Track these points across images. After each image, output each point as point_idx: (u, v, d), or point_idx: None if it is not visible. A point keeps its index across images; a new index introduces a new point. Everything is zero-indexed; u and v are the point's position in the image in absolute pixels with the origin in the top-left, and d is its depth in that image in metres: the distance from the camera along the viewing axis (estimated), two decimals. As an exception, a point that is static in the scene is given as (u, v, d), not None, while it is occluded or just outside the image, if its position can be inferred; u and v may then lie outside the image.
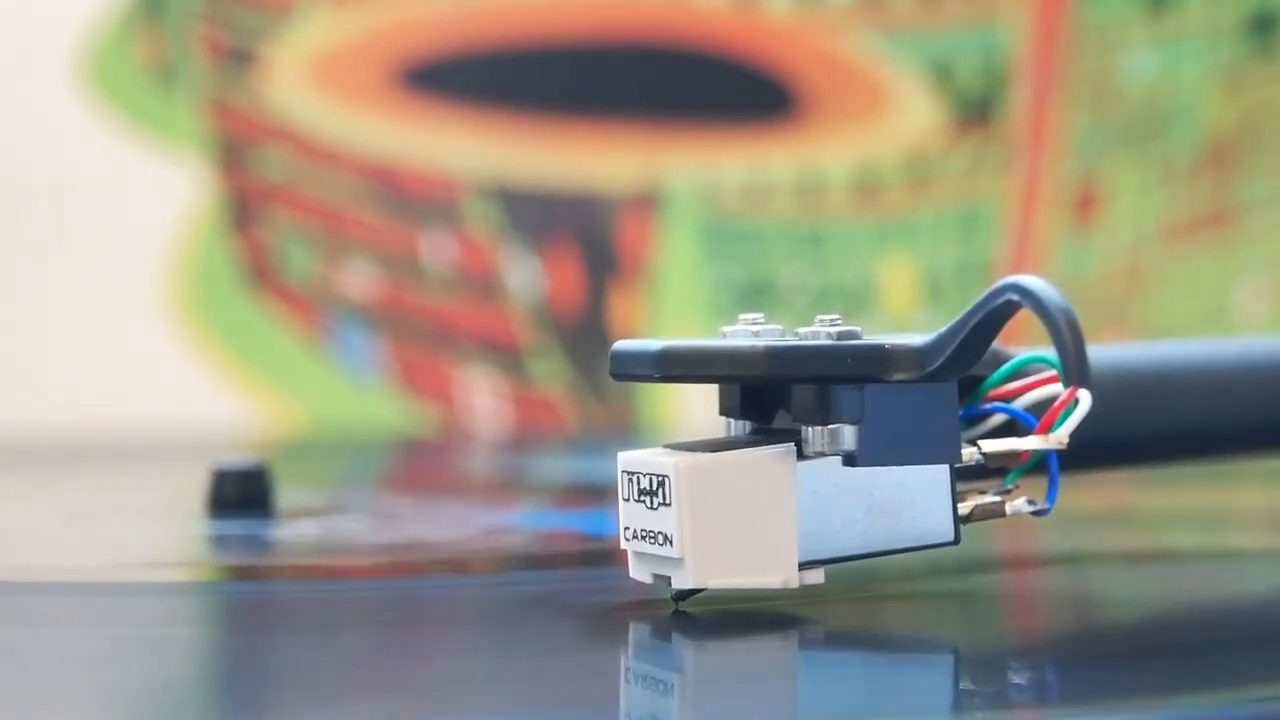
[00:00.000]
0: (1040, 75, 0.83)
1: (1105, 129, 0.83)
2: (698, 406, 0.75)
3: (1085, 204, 0.83)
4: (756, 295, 0.83)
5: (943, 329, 0.36)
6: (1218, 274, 0.83)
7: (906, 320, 0.83)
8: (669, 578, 0.37)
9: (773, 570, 0.37)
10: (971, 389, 0.38)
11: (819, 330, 0.37)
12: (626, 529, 0.37)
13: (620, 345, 0.38)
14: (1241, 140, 0.83)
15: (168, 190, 0.85)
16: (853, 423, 0.37)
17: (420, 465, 0.79)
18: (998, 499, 0.38)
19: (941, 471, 0.37)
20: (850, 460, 0.37)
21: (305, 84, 0.85)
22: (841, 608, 0.39)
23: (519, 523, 0.55)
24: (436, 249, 0.85)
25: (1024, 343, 0.39)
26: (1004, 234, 0.83)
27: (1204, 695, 0.33)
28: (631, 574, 0.38)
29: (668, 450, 0.37)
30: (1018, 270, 0.76)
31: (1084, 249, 0.83)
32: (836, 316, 0.37)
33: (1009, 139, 0.83)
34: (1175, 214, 0.83)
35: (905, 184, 0.84)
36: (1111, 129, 0.83)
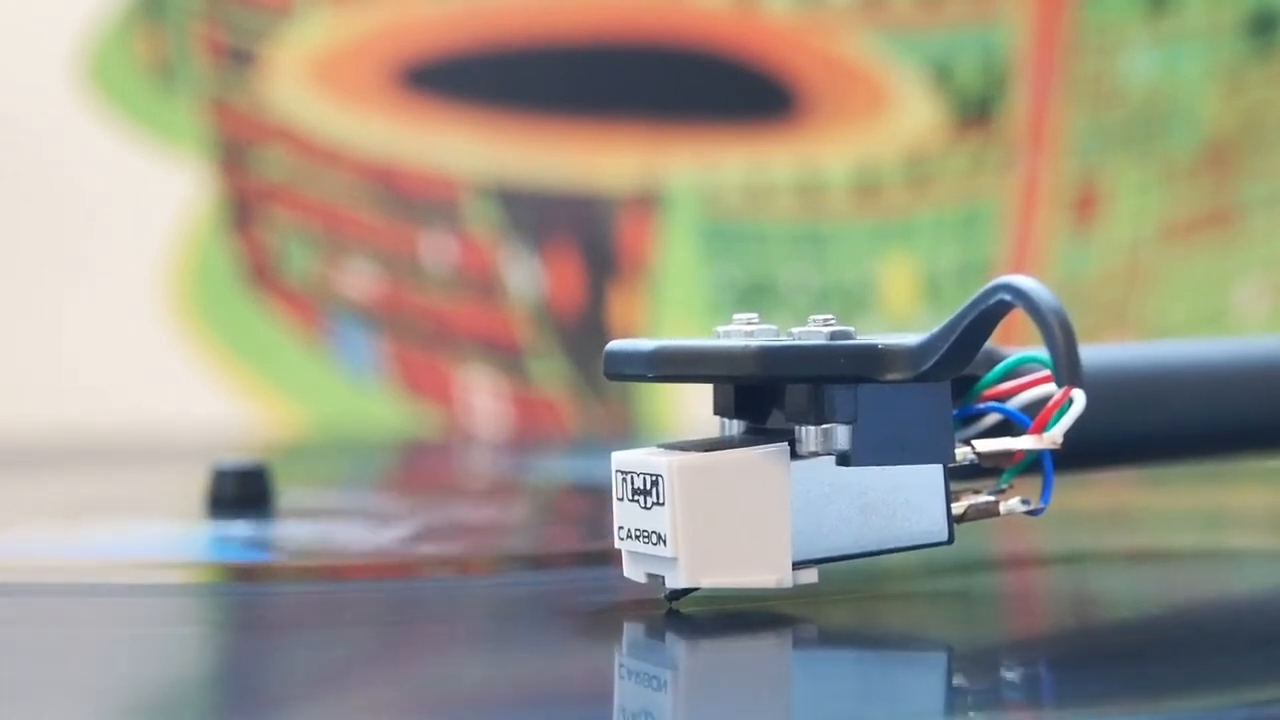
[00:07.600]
0: (1040, 75, 0.83)
1: (1105, 129, 0.83)
2: (698, 406, 0.75)
3: (1085, 204, 0.83)
4: (756, 295, 0.83)
5: (936, 329, 0.36)
6: (1218, 274, 0.83)
7: (907, 320, 0.83)
8: (663, 577, 0.37)
9: (766, 569, 0.37)
10: (965, 389, 0.38)
11: (813, 330, 0.37)
12: (621, 528, 0.37)
13: (614, 345, 0.38)
14: (1241, 140, 0.83)
15: (168, 190, 0.85)
16: (846, 422, 0.37)
17: (420, 466, 0.79)
18: (992, 499, 0.38)
19: (935, 471, 0.37)
20: (844, 460, 0.37)
21: (305, 84, 0.85)
22: (835, 607, 0.39)
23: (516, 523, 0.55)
24: (436, 249, 0.85)
25: (1021, 343, 0.39)
26: (1004, 234, 0.83)
27: (1203, 696, 0.33)
28: (626, 573, 0.38)
29: (661, 450, 0.37)
30: (1018, 270, 0.77)
31: (1084, 249, 0.83)
32: (830, 316, 0.37)
33: (1009, 139, 0.83)
34: (1175, 214, 0.83)
35: (905, 184, 0.84)
36: (1111, 129, 0.83)
